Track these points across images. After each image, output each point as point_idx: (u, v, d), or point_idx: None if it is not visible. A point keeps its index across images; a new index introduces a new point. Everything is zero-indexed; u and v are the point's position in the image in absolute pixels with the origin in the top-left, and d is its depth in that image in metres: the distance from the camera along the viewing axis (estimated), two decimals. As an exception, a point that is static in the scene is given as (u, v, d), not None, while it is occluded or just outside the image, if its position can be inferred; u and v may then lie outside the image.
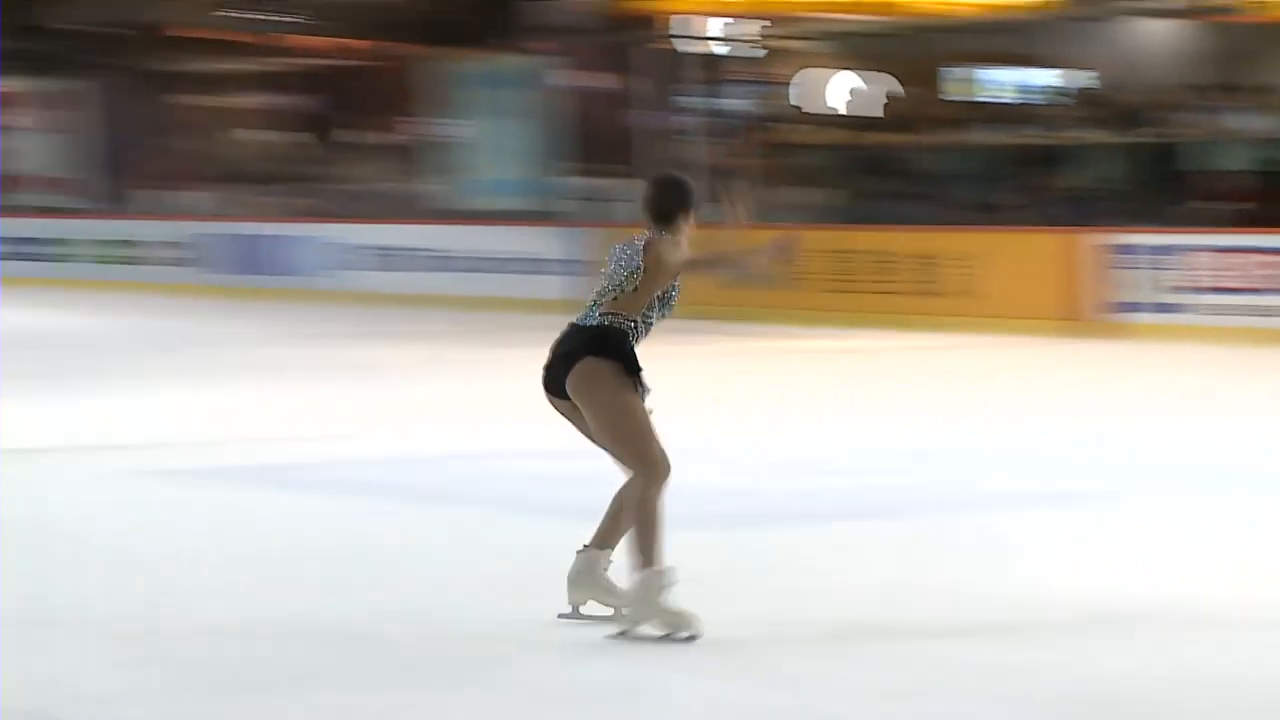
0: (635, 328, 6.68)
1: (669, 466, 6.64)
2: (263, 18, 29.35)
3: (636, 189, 21.25)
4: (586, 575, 6.78)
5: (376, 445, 12.11)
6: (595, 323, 6.63)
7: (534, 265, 23.66)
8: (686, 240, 6.76)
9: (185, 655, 6.72)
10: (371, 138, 29.74)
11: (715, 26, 24.11)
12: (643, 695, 6.19)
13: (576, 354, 6.58)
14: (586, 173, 25.32)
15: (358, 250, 25.44)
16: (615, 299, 6.64)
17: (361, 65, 30.13)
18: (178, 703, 6.16)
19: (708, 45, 24.01)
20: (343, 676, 6.42)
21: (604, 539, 6.78)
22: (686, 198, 6.79)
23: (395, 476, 10.89)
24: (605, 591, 6.80)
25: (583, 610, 6.82)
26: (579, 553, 6.81)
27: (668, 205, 6.78)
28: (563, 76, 26.31)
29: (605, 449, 6.66)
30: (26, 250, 28.28)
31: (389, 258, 25.11)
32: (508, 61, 26.79)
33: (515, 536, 9.09)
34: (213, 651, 6.75)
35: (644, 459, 6.58)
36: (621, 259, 6.70)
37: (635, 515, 6.59)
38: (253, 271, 26.23)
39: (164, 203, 29.27)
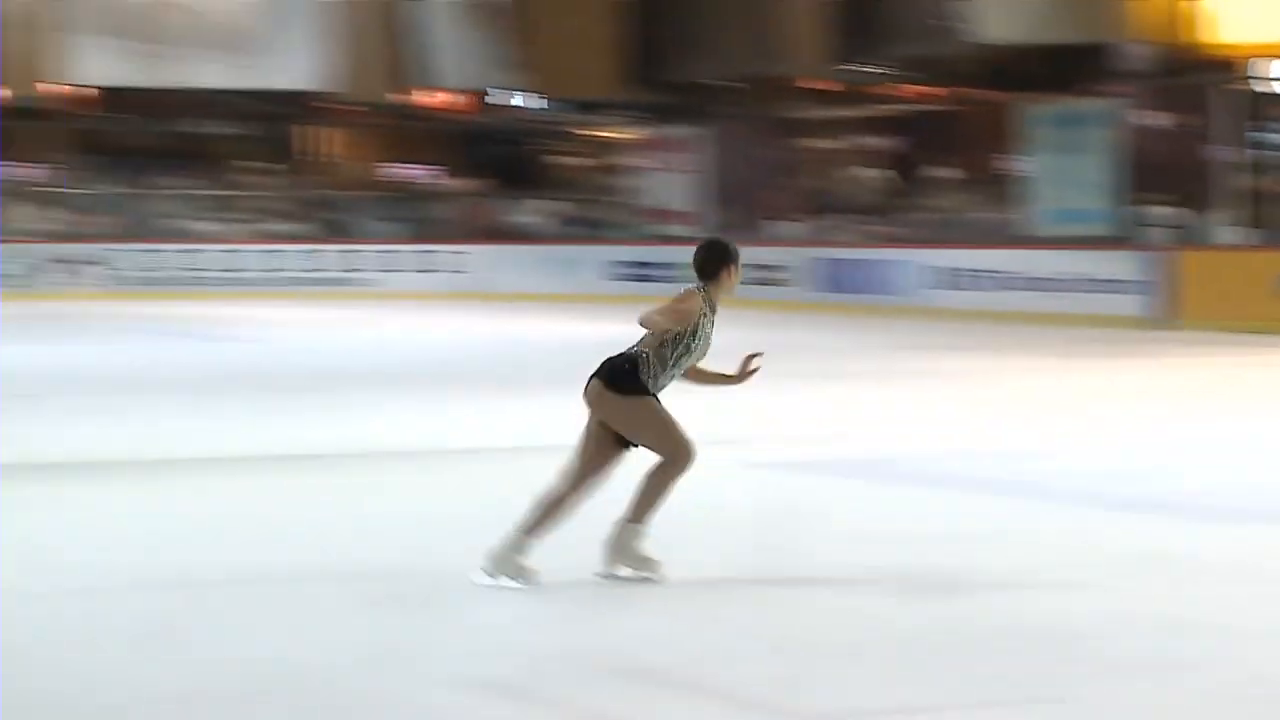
0: (648, 359, 7.10)
1: (694, 453, 7.10)
2: (860, 69, 30.24)
3: (1206, 219, 21.21)
4: (620, 544, 7.15)
5: (974, 442, 11.84)
6: (620, 353, 7.15)
7: (1107, 286, 23.88)
8: (731, 289, 7.21)
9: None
10: (953, 173, 30.20)
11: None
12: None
13: (595, 375, 7.13)
14: (1155, 202, 25.30)
15: (943, 272, 26.12)
16: (644, 335, 7.14)
17: (945, 110, 30.71)
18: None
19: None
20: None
21: (637, 513, 7.15)
22: (726, 256, 7.20)
23: (989, 470, 10.53)
24: (637, 559, 7.15)
25: (617, 574, 7.15)
26: (616, 524, 7.14)
27: (706, 263, 7.21)
28: (1135, 115, 26.32)
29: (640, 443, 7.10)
30: (642, 272, 29.70)
31: (971, 279, 25.67)
32: (1082, 103, 27.01)
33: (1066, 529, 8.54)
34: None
35: (674, 447, 7.07)
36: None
37: (653, 486, 7.07)
38: (847, 291, 27.15)
39: (771, 231, 30.18)
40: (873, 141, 32.48)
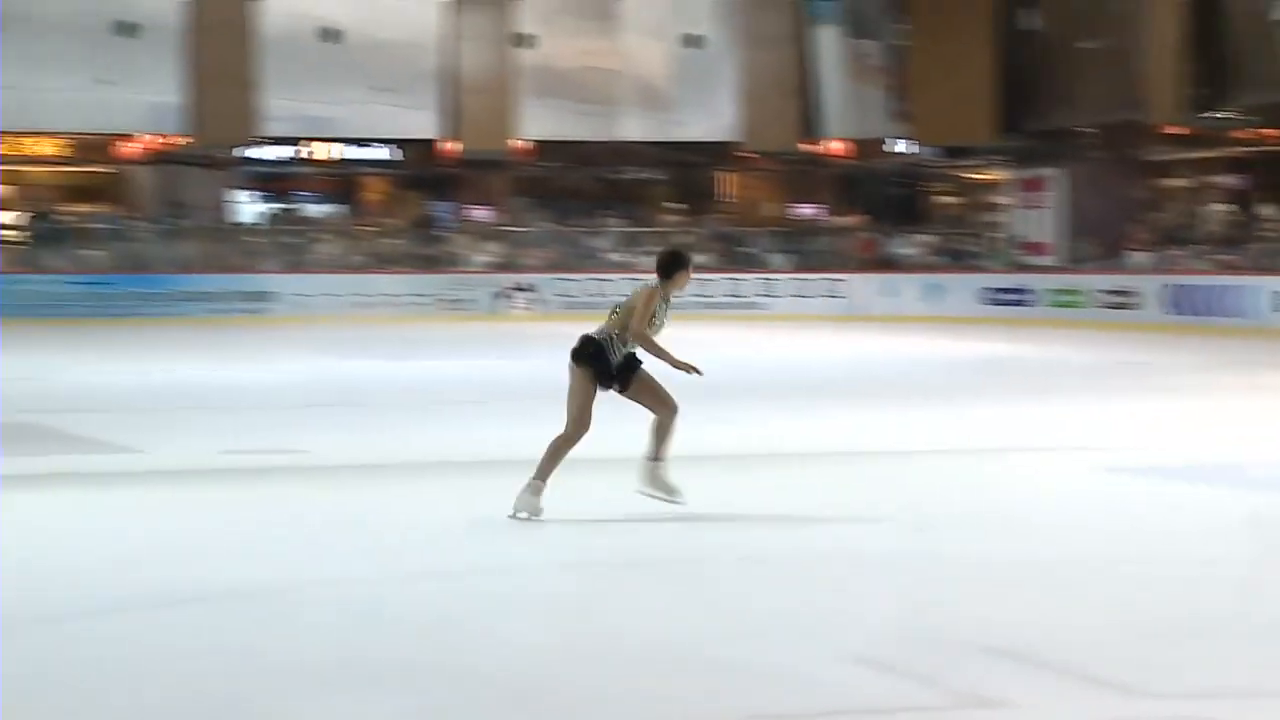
0: (612, 340, 8.39)
1: (586, 427, 8.32)
2: (1212, 115, 29.51)
3: None
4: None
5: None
6: (590, 335, 8.43)
7: None
8: (682, 287, 8.50)
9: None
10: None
11: None
12: None
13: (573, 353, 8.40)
14: None
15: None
16: (610, 320, 8.42)
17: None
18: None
19: None
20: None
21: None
22: (681, 262, 8.53)
23: None
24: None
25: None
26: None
27: (667, 266, 8.50)
28: None
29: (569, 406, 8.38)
30: (1007, 297, 29.74)
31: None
32: None
33: None
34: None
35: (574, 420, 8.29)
36: (628, 295, 8.49)
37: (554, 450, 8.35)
38: (1197, 314, 26.56)
39: (1126, 260, 29.49)
40: (1222, 180, 31.60)
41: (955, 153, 35.02)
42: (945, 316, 29.62)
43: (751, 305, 32.04)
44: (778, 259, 33.91)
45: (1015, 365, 19.98)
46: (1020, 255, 31.95)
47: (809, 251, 34.32)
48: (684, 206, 35.99)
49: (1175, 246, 29.37)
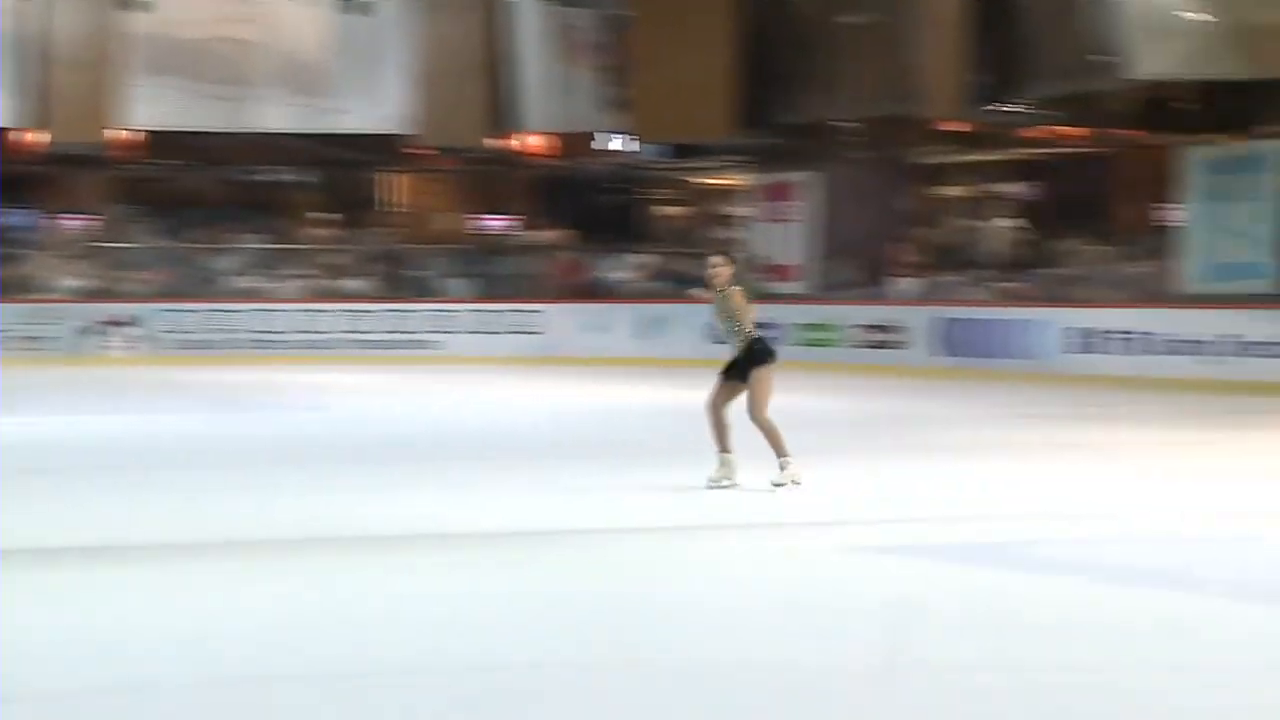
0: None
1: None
2: (999, 109, 29.98)
3: None
4: (724, 466, 12.81)
5: (1124, 525, 11.60)
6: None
7: (1268, 349, 23.39)
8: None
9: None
10: (1099, 223, 29.86)
11: None
12: None
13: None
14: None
15: (1082, 333, 25.71)
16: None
17: (1091, 153, 30.40)
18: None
19: None
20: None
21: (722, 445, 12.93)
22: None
23: (1145, 557, 10.32)
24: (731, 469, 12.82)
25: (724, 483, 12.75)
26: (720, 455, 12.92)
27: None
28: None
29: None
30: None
31: (1114, 341, 25.29)
32: (1245, 146, 26.57)
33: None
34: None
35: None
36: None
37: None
38: (976, 355, 26.90)
39: (890, 288, 30.28)
40: (1010, 189, 32.36)
41: (684, 152, 35.25)
42: (666, 359, 30.05)
43: (421, 344, 32.20)
44: (457, 285, 33.79)
45: (747, 420, 20.02)
46: (762, 281, 32.02)
47: (497, 276, 34.35)
48: (337, 217, 35.84)
49: (950, 271, 29.76)
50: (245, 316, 32.02)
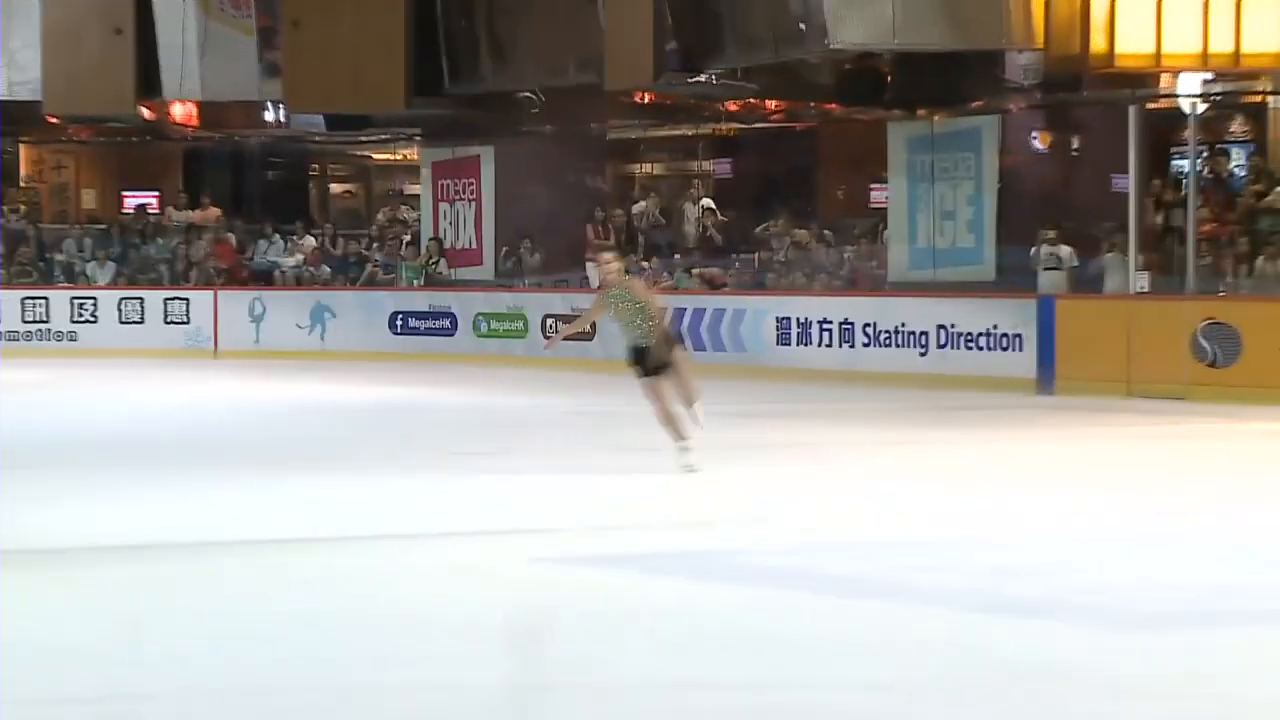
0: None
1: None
2: (694, 80, 29.67)
3: (1107, 261, 21.38)
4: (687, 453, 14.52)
5: (825, 532, 12.00)
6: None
7: (985, 340, 23.44)
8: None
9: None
10: (801, 204, 29.89)
11: (1193, 84, 23.04)
12: None
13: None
14: (1045, 241, 24.88)
15: (785, 324, 25.61)
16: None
17: (794, 128, 30.36)
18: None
19: (1189, 104, 23.03)
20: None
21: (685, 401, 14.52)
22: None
23: (847, 565, 10.69)
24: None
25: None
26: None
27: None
28: (1019, 138, 25.98)
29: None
30: (415, 324, 30.38)
31: (818, 332, 25.23)
32: (958, 123, 26.60)
33: (953, 634, 8.78)
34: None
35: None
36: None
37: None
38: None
39: (573, 274, 30.27)
40: (705, 166, 32.27)
41: (353, 124, 34.32)
42: (336, 351, 30.29)
43: (60, 335, 31.68)
44: (99, 270, 32.63)
45: (430, 418, 20.93)
46: (439, 268, 31.60)
47: (145, 260, 33.37)
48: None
49: (644, 255, 29.60)
50: None
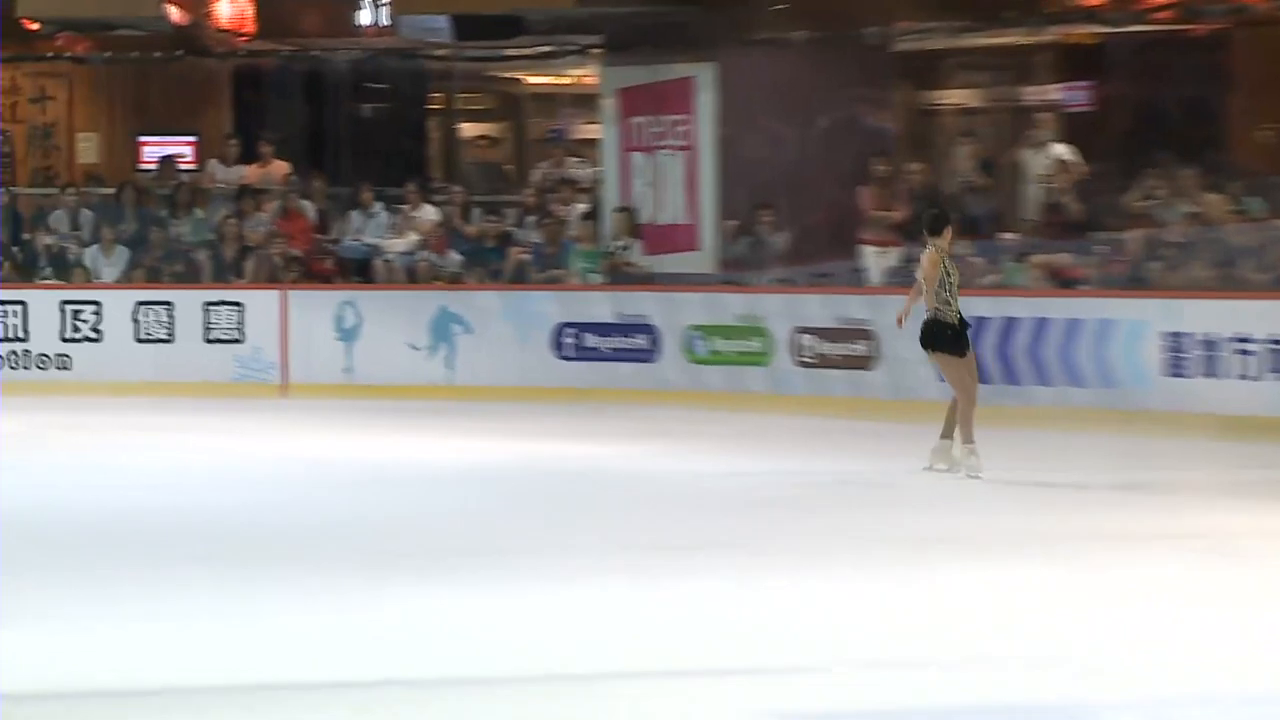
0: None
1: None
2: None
3: None
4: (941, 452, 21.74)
5: None
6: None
7: None
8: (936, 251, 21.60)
9: None
10: (1199, 153, 29.65)
11: None
12: None
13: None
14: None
15: (1174, 342, 25.84)
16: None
17: (1191, 32, 30.27)
18: None
19: None
20: None
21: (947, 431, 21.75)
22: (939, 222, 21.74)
23: None
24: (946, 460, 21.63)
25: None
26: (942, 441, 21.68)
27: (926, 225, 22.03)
28: None
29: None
30: (577, 342, 30.72)
31: (1213, 354, 25.53)
32: None
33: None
34: None
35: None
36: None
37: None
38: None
39: (836, 267, 30.50)
40: (1050, 94, 32.83)
41: (494, 28, 34.72)
42: (470, 386, 30.75)
43: (45, 360, 32.49)
44: (104, 259, 33.81)
45: (618, 491, 21.72)
46: (629, 254, 31.73)
47: (173, 243, 34.23)
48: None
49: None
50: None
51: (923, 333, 21.61)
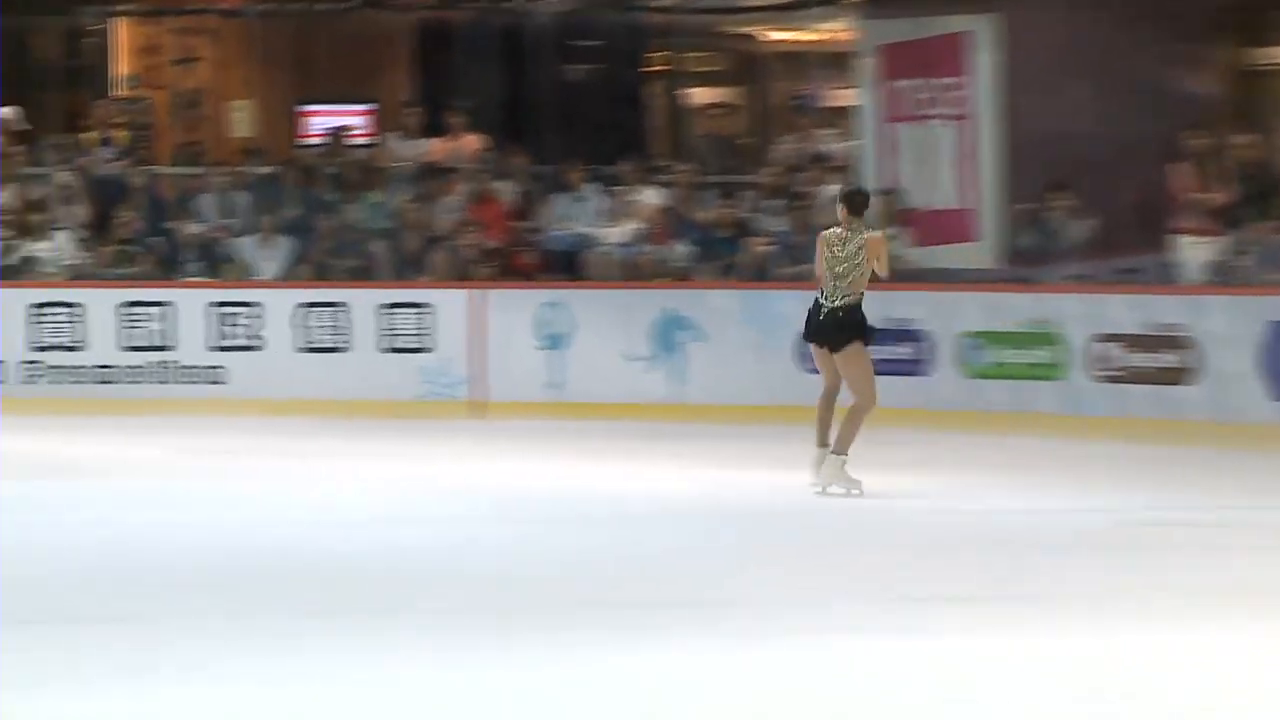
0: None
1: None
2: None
3: None
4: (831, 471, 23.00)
5: None
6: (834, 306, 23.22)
7: None
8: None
9: None
10: None
11: None
12: None
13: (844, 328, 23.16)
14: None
15: None
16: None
17: None
18: None
19: None
20: None
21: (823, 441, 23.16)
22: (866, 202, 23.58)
23: None
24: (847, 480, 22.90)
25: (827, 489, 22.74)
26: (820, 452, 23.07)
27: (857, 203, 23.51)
28: None
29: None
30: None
31: None
32: None
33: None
34: None
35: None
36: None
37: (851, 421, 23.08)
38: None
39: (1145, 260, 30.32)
40: None
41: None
42: (700, 405, 31.15)
43: (193, 373, 32.90)
44: (261, 251, 34.06)
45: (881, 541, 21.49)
46: (894, 246, 31.58)
47: (344, 231, 34.50)
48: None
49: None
50: None
51: (844, 323, 23.02)
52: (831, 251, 22.83)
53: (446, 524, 22.03)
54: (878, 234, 23.40)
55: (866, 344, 23.05)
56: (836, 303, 22.84)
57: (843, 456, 22.63)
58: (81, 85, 37.54)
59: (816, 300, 23.02)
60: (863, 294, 22.96)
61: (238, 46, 38.10)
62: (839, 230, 23.03)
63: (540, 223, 33.88)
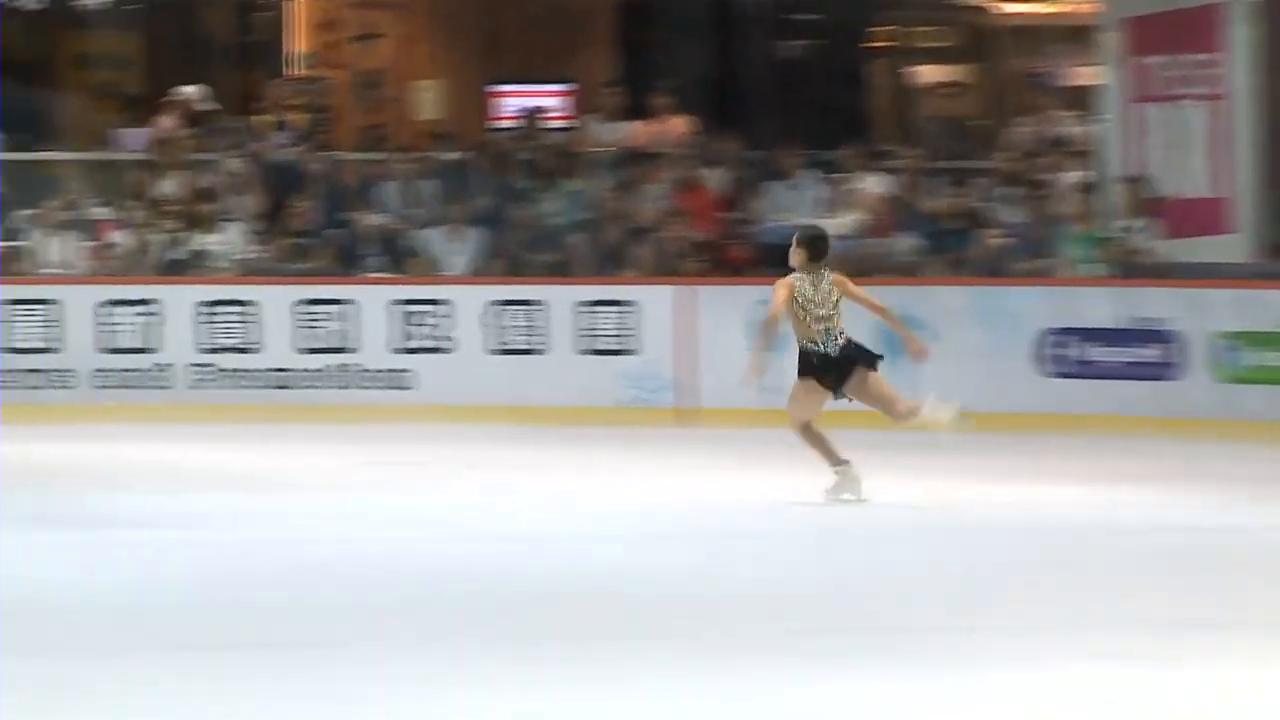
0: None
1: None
2: None
3: None
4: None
5: None
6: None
7: None
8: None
9: None
10: None
11: None
12: None
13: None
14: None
15: None
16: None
17: None
18: None
19: None
20: None
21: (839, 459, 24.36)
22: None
23: None
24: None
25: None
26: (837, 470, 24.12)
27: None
28: None
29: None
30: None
31: None
32: None
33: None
34: None
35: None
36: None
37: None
38: None
39: None
40: None
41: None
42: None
43: (376, 377, 33.31)
44: (449, 245, 34.43)
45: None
46: (1142, 238, 31.49)
47: (538, 223, 34.70)
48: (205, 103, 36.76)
49: None
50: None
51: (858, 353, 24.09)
52: (805, 297, 23.43)
53: (652, 542, 22.11)
54: (837, 274, 23.96)
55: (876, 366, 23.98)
56: (839, 341, 23.65)
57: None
58: (255, 64, 37.91)
59: (812, 351, 23.65)
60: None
61: (423, 22, 38.38)
62: (802, 276, 23.57)
63: (753, 213, 34.00)
